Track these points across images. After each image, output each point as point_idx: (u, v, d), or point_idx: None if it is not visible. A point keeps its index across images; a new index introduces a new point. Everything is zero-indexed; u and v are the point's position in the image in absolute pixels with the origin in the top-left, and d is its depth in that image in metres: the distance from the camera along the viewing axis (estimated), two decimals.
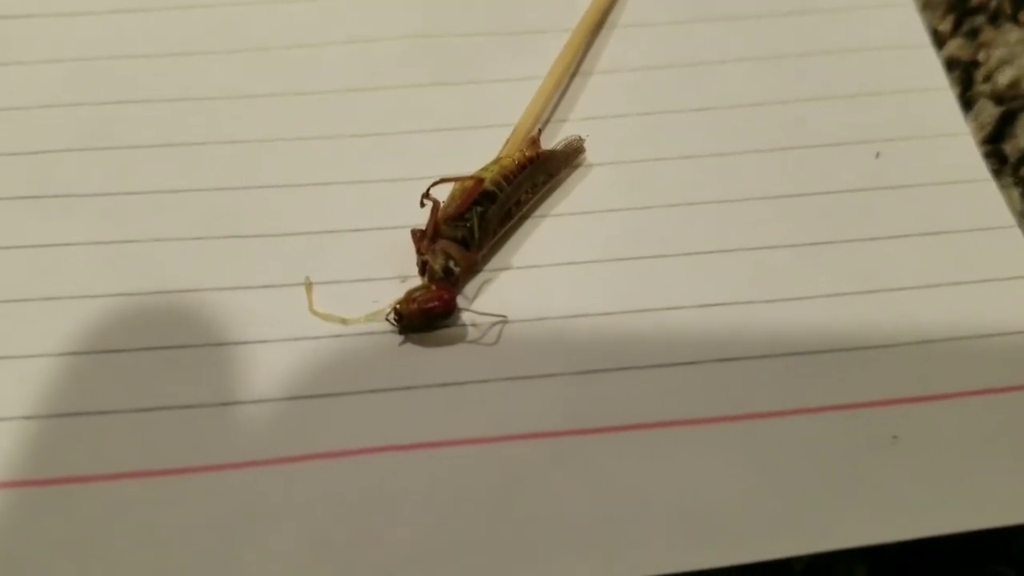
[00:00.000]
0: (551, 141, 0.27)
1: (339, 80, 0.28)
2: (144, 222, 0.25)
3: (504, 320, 0.24)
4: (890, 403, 0.23)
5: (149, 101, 0.27)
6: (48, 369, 0.23)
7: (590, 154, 0.27)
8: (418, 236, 0.25)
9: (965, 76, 0.30)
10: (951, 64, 0.30)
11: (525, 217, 0.26)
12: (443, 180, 0.25)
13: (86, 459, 0.22)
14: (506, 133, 0.27)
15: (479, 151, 0.26)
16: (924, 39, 0.30)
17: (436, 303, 0.23)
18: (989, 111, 0.29)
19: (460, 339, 0.24)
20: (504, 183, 0.25)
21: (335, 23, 0.29)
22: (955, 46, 0.31)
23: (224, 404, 0.23)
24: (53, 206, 0.25)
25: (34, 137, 0.27)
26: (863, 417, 0.23)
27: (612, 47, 0.29)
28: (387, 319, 0.24)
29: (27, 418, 0.22)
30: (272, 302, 0.24)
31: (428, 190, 0.24)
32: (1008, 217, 0.26)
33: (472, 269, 0.25)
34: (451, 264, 0.24)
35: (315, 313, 0.24)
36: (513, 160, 0.26)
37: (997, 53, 0.30)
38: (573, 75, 0.29)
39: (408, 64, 0.28)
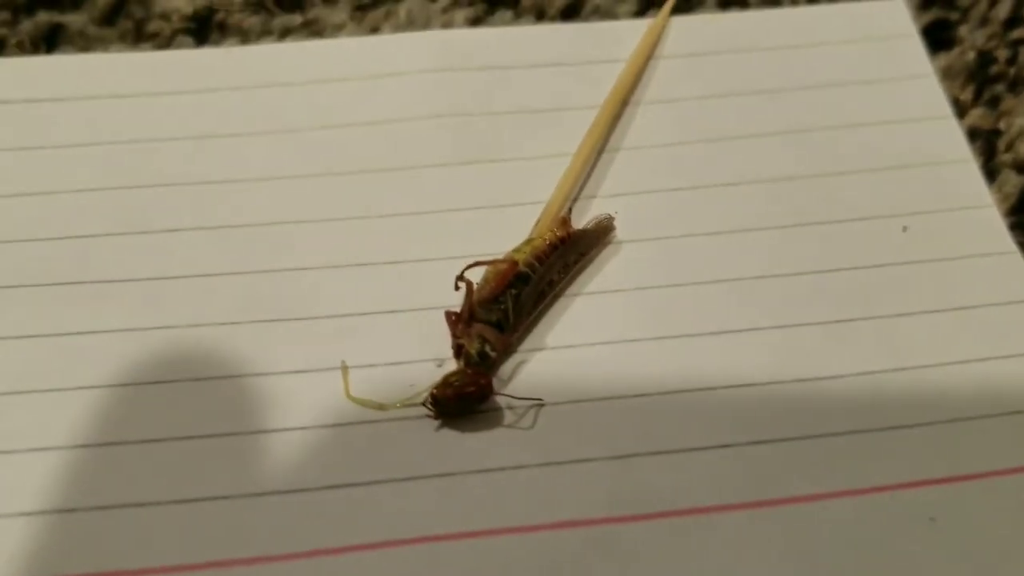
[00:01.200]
0: (581, 218, 0.27)
1: (370, 160, 0.28)
2: (180, 307, 0.25)
3: (540, 403, 0.24)
4: (926, 484, 0.23)
5: (182, 184, 0.28)
6: (85, 459, 0.23)
7: (620, 231, 0.27)
8: (453, 319, 0.25)
9: (987, 146, 0.30)
10: (973, 134, 0.30)
11: (558, 296, 0.26)
12: (477, 263, 0.25)
13: (121, 552, 0.22)
14: (536, 211, 0.27)
15: (509, 229, 0.27)
16: (946, 110, 0.30)
17: (473, 388, 0.23)
18: (1012, 181, 0.29)
19: (496, 423, 0.24)
20: (537, 264, 0.25)
21: (365, 104, 0.29)
22: (976, 115, 0.31)
23: (259, 495, 0.23)
24: (89, 292, 0.26)
25: (71, 222, 0.27)
26: (900, 499, 0.23)
27: (639, 123, 0.30)
28: (423, 404, 0.24)
29: (60, 512, 0.22)
30: (308, 387, 0.24)
31: (462, 273, 0.24)
32: None
33: (507, 351, 0.25)
34: (487, 348, 0.24)
35: (352, 398, 0.24)
36: (545, 241, 0.26)
37: (1018, 122, 0.31)
38: (601, 152, 0.29)
39: (436, 143, 0.29)
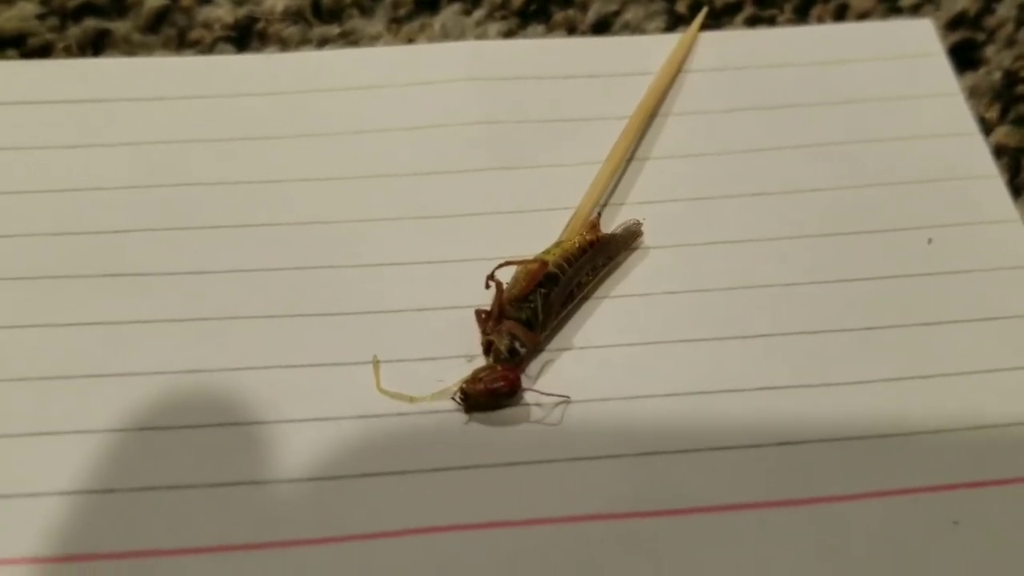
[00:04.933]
0: (609, 224, 0.28)
1: (406, 164, 0.29)
2: (215, 301, 0.26)
3: (567, 400, 0.25)
4: (950, 488, 0.24)
5: (221, 184, 0.28)
6: (120, 443, 0.24)
7: (648, 237, 0.28)
8: (483, 317, 0.25)
9: (1013, 163, 0.31)
10: (999, 151, 0.31)
11: (586, 298, 0.27)
12: (507, 263, 0.25)
13: (152, 534, 0.22)
14: (566, 216, 0.28)
15: (540, 233, 0.27)
16: (972, 127, 0.31)
17: (502, 383, 0.24)
18: None
19: (524, 419, 0.24)
20: (566, 265, 0.26)
21: (400, 110, 0.30)
22: (1002, 133, 0.31)
23: (291, 481, 0.23)
24: (128, 284, 0.26)
25: (111, 217, 0.28)
26: (924, 502, 0.23)
27: (668, 134, 0.30)
28: (453, 398, 0.24)
29: (101, 492, 0.23)
30: (340, 380, 0.25)
31: (493, 272, 0.25)
32: None
33: (536, 349, 0.25)
34: (516, 345, 0.25)
35: (382, 391, 0.25)
36: (574, 243, 0.26)
37: None
38: (630, 160, 0.30)
39: (473, 149, 0.29)
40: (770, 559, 0.22)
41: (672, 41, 0.32)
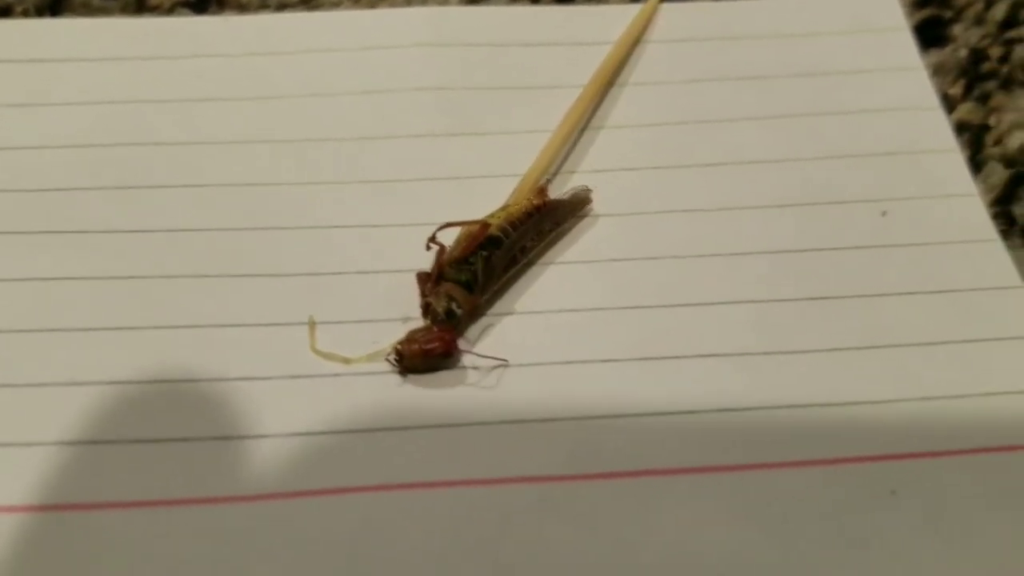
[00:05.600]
0: (559, 192, 0.27)
1: (352, 128, 0.29)
2: (152, 259, 0.26)
3: (505, 364, 0.24)
4: (890, 458, 0.23)
5: (169, 144, 0.28)
6: (52, 399, 0.23)
7: (597, 205, 0.28)
8: (423, 278, 0.25)
9: (975, 140, 0.30)
10: (961, 128, 0.30)
11: (530, 264, 0.26)
12: (449, 224, 0.25)
13: (89, 488, 0.22)
14: (515, 183, 0.27)
15: (487, 200, 0.27)
16: (934, 102, 0.30)
17: (437, 343, 0.24)
18: (999, 174, 0.29)
19: (460, 382, 0.24)
20: (510, 229, 0.26)
21: (353, 74, 0.30)
22: (965, 110, 0.31)
23: (222, 438, 0.23)
24: (71, 241, 0.26)
25: (56, 175, 0.27)
26: (862, 472, 0.23)
27: (622, 104, 0.30)
28: (387, 359, 0.24)
29: (27, 445, 0.23)
30: (274, 340, 0.24)
31: (435, 234, 0.25)
32: (1015, 278, 0.26)
33: (475, 313, 0.25)
34: (454, 306, 0.24)
35: (317, 352, 0.24)
36: (520, 208, 0.26)
37: (1008, 117, 0.31)
38: (583, 129, 0.29)
39: (423, 114, 0.29)
40: (703, 525, 0.22)
41: (633, 11, 0.32)
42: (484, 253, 0.25)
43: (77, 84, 0.29)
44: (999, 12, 0.33)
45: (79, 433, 0.23)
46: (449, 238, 0.25)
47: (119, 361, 0.24)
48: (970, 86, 0.32)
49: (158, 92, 0.29)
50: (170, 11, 0.32)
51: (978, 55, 0.32)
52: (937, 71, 0.32)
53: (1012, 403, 0.24)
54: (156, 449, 0.23)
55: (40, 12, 0.32)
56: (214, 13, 0.32)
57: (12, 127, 0.28)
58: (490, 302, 0.26)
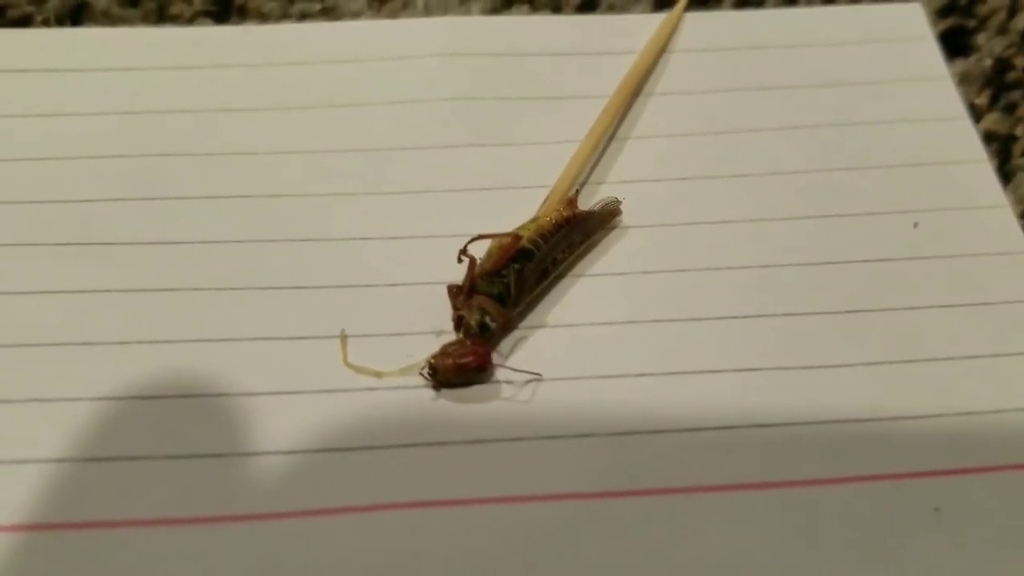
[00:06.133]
0: (588, 203, 0.27)
1: (379, 139, 0.28)
2: (183, 271, 0.25)
3: (539, 378, 0.24)
4: (931, 475, 0.23)
5: (193, 155, 0.28)
6: (81, 413, 0.23)
7: (626, 216, 0.27)
8: (454, 292, 0.25)
9: (1003, 150, 0.30)
10: (989, 137, 0.30)
11: (561, 276, 0.26)
12: (481, 236, 0.25)
13: (114, 504, 0.22)
14: (544, 194, 0.27)
15: (516, 211, 0.27)
16: (961, 111, 0.30)
17: (471, 358, 0.23)
18: None
19: (494, 396, 0.24)
20: (541, 241, 0.25)
21: (377, 85, 0.30)
22: (992, 120, 0.31)
23: (255, 454, 0.23)
24: (94, 253, 0.26)
25: (81, 186, 0.27)
26: (904, 488, 0.23)
27: (649, 114, 0.30)
28: (421, 373, 0.24)
29: (57, 461, 0.22)
30: (307, 354, 0.24)
31: (466, 246, 0.24)
32: None
33: (508, 326, 0.25)
34: (487, 320, 0.24)
35: (349, 366, 0.24)
36: (550, 219, 0.26)
37: None
38: (611, 139, 0.29)
39: (449, 125, 0.29)
40: (742, 543, 0.22)
41: (657, 21, 0.31)
42: (516, 266, 0.25)
43: (98, 94, 0.29)
44: (1022, 21, 0.33)
45: (105, 449, 0.23)
46: (479, 250, 0.25)
47: (145, 376, 0.24)
48: (996, 96, 0.31)
49: (180, 102, 0.29)
50: (191, 20, 0.32)
51: (1003, 64, 0.32)
52: (962, 80, 0.31)
53: None
54: (186, 465, 0.22)
55: (61, 21, 0.31)
56: (235, 23, 0.32)
57: (33, 138, 0.28)
58: (522, 315, 0.25)
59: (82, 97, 0.29)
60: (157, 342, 0.24)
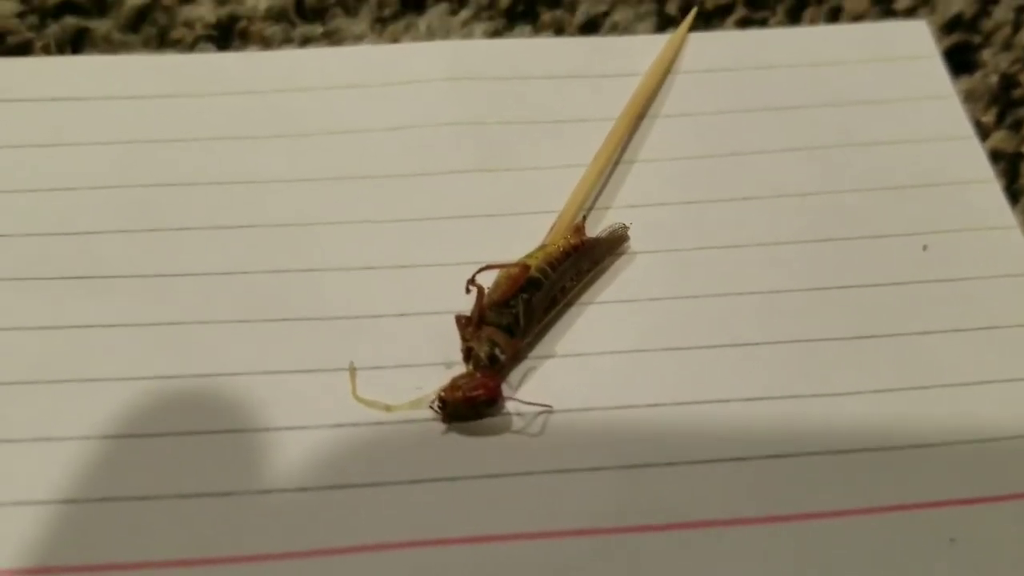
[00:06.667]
0: (595, 228, 0.27)
1: (384, 166, 0.28)
2: (188, 304, 0.25)
3: (549, 410, 0.24)
4: (946, 504, 0.23)
5: (196, 184, 0.28)
6: (87, 452, 0.23)
7: (634, 242, 0.27)
8: (463, 323, 0.24)
9: (1010, 168, 0.30)
10: (996, 156, 0.30)
11: (570, 304, 0.26)
12: (489, 267, 0.24)
13: (124, 545, 0.22)
14: (550, 220, 0.27)
15: (523, 237, 0.26)
16: (968, 130, 0.30)
17: (481, 391, 0.23)
18: None
19: (505, 429, 0.24)
20: (549, 270, 0.25)
21: (382, 110, 0.29)
22: (999, 138, 0.30)
23: (264, 492, 0.22)
24: (98, 287, 0.26)
25: (86, 218, 0.27)
26: (919, 519, 0.22)
27: (655, 136, 0.29)
28: (431, 407, 0.23)
29: (63, 502, 0.22)
30: (315, 387, 0.24)
31: (474, 276, 0.24)
32: None
33: (517, 356, 0.25)
34: (497, 351, 0.24)
35: (358, 399, 0.24)
36: (558, 247, 0.26)
37: None
38: (616, 163, 0.29)
39: (454, 150, 0.29)
40: None
41: (661, 42, 0.31)
42: (524, 295, 0.25)
43: (100, 123, 0.29)
44: None
45: (112, 489, 0.22)
46: (486, 280, 0.25)
47: (151, 412, 0.23)
48: (1002, 113, 0.31)
49: (182, 130, 0.29)
50: (192, 45, 0.32)
51: (1009, 81, 0.32)
52: (968, 98, 0.31)
53: None
54: (196, 504, 0.22)
55: (61, 47, 0.31)
56: (237, 47, 0.32)
57: (33, 168, 0.28)
58: (531, 345, 0.25)
59: (83, 126, 0.29)
60: (162, 378, 0.24)
